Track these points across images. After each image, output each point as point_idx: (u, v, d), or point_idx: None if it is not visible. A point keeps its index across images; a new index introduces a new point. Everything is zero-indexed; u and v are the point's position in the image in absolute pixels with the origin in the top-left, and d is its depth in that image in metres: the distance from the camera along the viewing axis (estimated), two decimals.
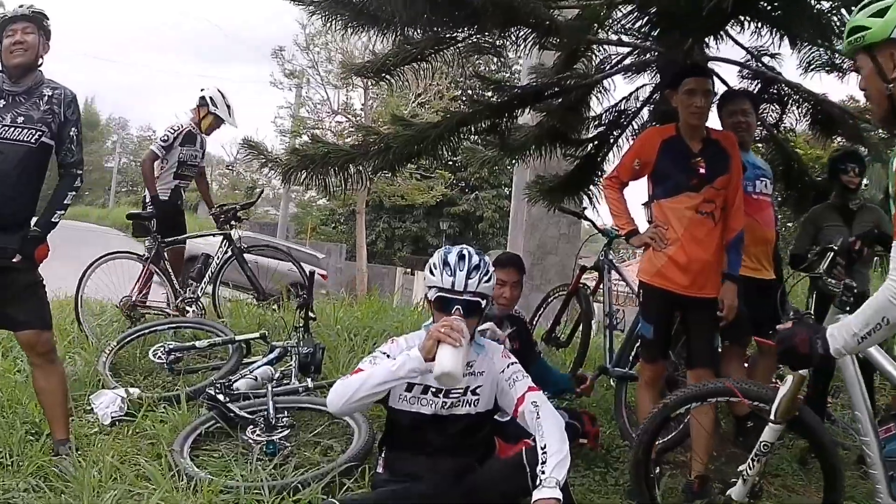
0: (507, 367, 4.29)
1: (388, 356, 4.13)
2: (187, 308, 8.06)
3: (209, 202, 9.44)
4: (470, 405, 4.24)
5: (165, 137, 8.80)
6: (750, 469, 3.93)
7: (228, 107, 9.08)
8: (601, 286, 7.20)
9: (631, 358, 6.52)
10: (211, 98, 8.94)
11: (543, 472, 3.80)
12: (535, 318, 7.85)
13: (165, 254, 8.23)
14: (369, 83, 36.00)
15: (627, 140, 7.66)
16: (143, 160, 9.27)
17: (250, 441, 5.01)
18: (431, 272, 4.23)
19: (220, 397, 5.34)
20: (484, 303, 4.23)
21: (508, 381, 4.23)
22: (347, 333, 7.57)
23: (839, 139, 8.17)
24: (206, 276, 8.36)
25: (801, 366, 3.59)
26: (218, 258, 8.50)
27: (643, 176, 5.33)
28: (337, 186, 7.16)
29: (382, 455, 4.39)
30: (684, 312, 5.23)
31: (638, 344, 6.30)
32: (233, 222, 8.51)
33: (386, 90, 35.85)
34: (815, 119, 7.39)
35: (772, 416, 3.80)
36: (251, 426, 5.12)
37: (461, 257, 4.20)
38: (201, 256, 8.68)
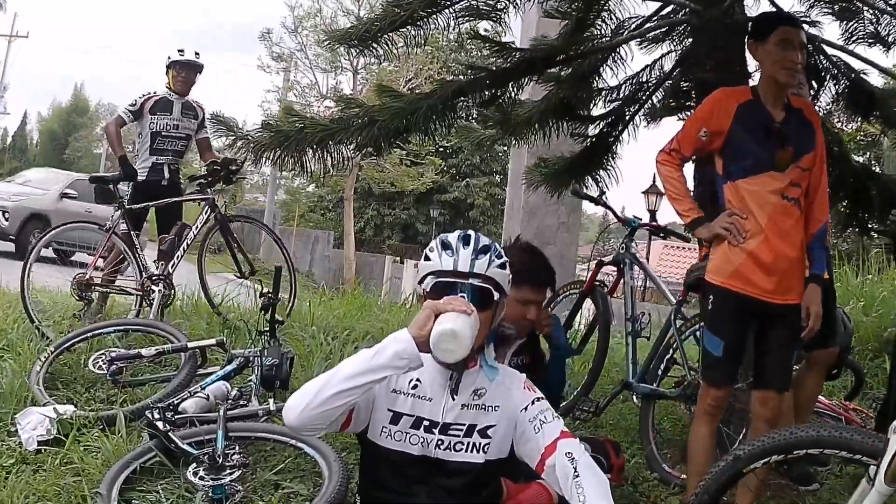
0: (532, 403, 3.15)
1: None
2: (153, 287, 7.09)
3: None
4: (476, 450, 3.09)
5: (133, 102, 8.08)
6: None
7: (181, 51, 8.30)
8: (621, 284, 6.15)
9: (660, 372, 5.53)
10: (168, 57, 8.23)
11: None
12: None
13: (129, 222, 7.38)
14: (358, 65, 36.39)
15: (644, 119, 6.91)
16: (108, 127, 8.64)
17: (194, 483, 4.02)
18: (427, 258, 3.18)
19: (160, 424, 4.35)
20: (497, 295, 3.13)
21: (533, 422, 3.08)
22: (324, 336, 6.60)
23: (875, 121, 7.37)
24: (181, 249, 7.41)
25: None
26: (196, 227, 7.58)
27: (711, 149, 4.30)
28: (315, 166, 6.34)
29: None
30: (761, 322, 4.21)
31: (668, 356, 5.44)
32: (218, 186, 7.61)
33: (376, 73, 35.97)
34: (852, 97, 6.56)
35: (881, 477, 2.75)
36: (195, 463, 4.12)
37: (465, 237, 3.16)
38: (176, 227, 7.61)
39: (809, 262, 4.28)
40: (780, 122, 4.13)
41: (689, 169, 4.79)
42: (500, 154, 36.94)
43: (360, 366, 2.87)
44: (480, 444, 3.09)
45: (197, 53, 8.32)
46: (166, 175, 8.03)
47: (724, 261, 4.15)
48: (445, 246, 3.14)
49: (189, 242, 7.51)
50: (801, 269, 4.21)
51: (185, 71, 8.21)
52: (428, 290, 3.12)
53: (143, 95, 8.11)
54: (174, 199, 7.92)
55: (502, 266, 3.15)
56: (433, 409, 3.08)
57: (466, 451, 3.08)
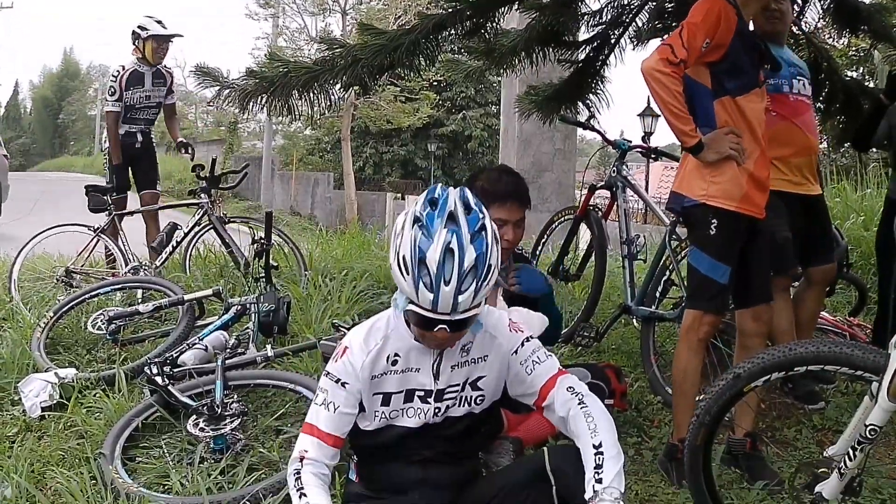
0: (522, 344, 2.99)
1: (342, 383, 2.89)
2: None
3: (174, 136, 8.94)
4: (470, 403, 3.00)
5: (112, 90, 8.37)
6: (849, 460, 2.84)
7: (159, 22, 8.42)
8: (615, 207, 6.08)
9: (658, 294, 5.46)
10: (138, 27, 8.38)
11: (601, 482, 2.62)
12: (539, 248, 6.73)
13: (122, 225, 7.65)
14: (346, 6, 36.00)
15: (630, 41, 6.71)
16: (107, 126, 8.62)
17: (195, 435, 4.01)
18: (402, 272, 2.68)
19: (159, 379, 4.34)
20: (482, 308, 2.82)
21: (525, 364, 2.96)
22: (322, 278, 6.52)
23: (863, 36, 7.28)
24: (169, 246, 7.51)
25: None
26: (187, 227, 7.68)
27: (702, 62, 3.95)
28: (303, 109, 6.28)
29: (354, 460, 3.19)
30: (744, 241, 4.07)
31: (665, 277, 5.37)
32: (212, 192, 7.64)
33: (365, 13, 35.57)
34: (838, 12, 6.39)
35: (883, 393, 2.70)
36: (195, 415, 4.10)
37: (448, 252, 2.63)
38: (167, 225, 7.75)
39: None
40: (759, 41, 4.00)
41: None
42: (495, 84, 36.52)
43: None
44: (473, 396, 3.00)
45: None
46: (139, 139, 8.52)
47: (733, 184, 3.90)
48: (422, 266, 2.64)
49: (178, 241, 7.60)
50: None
51: (164, 43, 8.47)
52: (400, 312, 2.82)
53: (115, 76, 8.37)
54: (168, 205, 8.54)
55: (490, 278, 2.72)
56: (423, 378, 2.94)
57: (459, 405, 2.99)
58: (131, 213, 8.12)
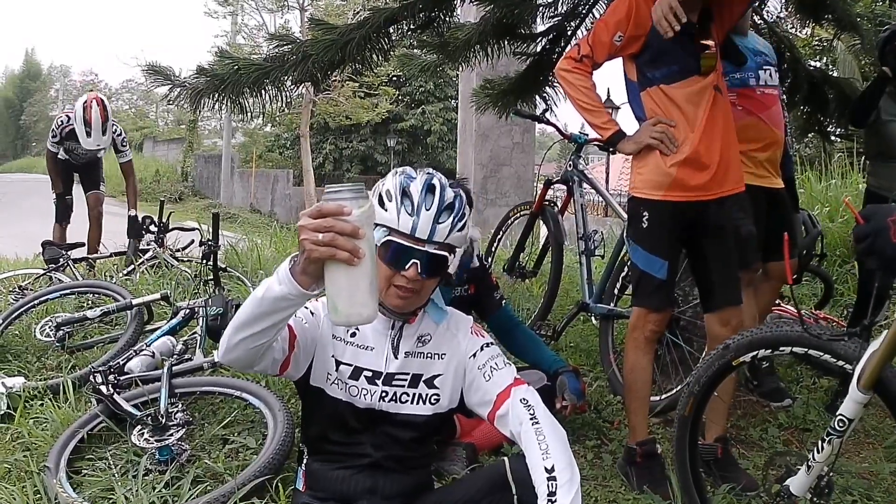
0: (482, 349, 2.95)
1: (312, 311, 2.90)
2: None
3: (129, 204, 9.06)
4: (423, 402, 2.92)
5: (54, 134, 8.97)
6: (818, 452, 2.76)
7: (87, 122, 8.64)
8: (571, 202, 5.98)
9: (617, 291, 5.38)
10: (74, 110, 8.82)
11: None
12: (495, 244, 6.69)
13: (72, 265, 7.78)
14: (304, 2, 35.89)
15: (586, 31, 6.57)
16: (46, 160, 9.41)
17: (141, 446, 3.86)
18: (383, 203, 2.78)
19: (104, 388, 4.20)
20: (450, 259, 2.83)
21: (483, 369, 2.90)
22: None
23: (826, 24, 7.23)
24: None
25: (890, 267, 2.43)
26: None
27: (623, 55, 3.94)
28: (255, 107, 6.13)
29: (303, 466, 3.08)
30: (696, 233, 3.93)
31: (623, 274, 5.28)
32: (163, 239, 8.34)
33: (323, 9, 35.45)
34: (801, 1, 6.33)
35: (854, 383, 2.64)
36: (140, 425, 3.95)
37: (429, 189, 2.79)
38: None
39: None
40: (697, 23, 3.83)
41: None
42: (454, 79, 36.47)
43: (250, 311, 2.43)
44: (428, 395, 2.92)
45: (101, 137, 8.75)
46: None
47: (657, 173, 3.82)
48: (406, 197, 2.77)
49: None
50: (738, 158, 3.99)
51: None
52: (379, 244, 2.74)
53: (59, 124, 8.92)
54: (117, 252, 8.55)
55: (463, 225, 2.83)
56: (375, 360, 2.90)
57: (413, 402, 2.92)
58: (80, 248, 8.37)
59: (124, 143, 9.14)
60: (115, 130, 8.94)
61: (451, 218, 2.77)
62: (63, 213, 8.94)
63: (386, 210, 2.76)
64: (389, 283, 2.77)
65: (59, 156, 9.04)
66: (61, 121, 8.94)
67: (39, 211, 8.18)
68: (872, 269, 2.57)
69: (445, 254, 2.77)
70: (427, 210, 2.73)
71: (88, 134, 8.58)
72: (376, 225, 2.72)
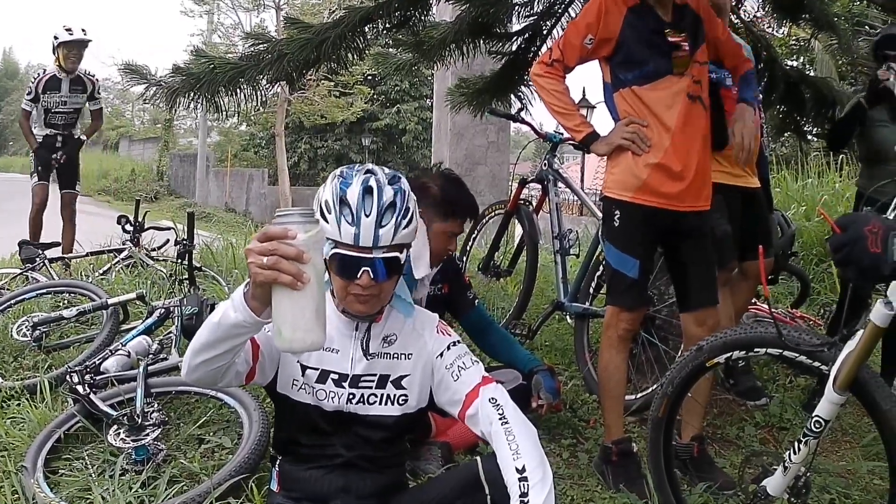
0: (448, 347, 2.94)
1: None
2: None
3: (86, 134, 9.54)
4: (392, 402, 2.92)
5: (29, 90, 9.04)
6: (794, 454, 2.80)
7: (69, 30, 8.84)
8: (546, 201, 6.01)
9: (592, 290, 5.41)
10: (53, 36, 8.87)
11: None
12: (470, 244, 6.69)
13: (48, 264, 7.76)
14: (280, 1, 35.81)
15: (562, 31, 6.60)
16: (20, 121, 9.36)
17: (117, 446, 3.85)
18: (324, 215, 2.70)
19: (81, 388, 4.19)
20: (403, 256, 2.80)
21: (451, 369, 2.89)
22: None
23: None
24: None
25: (868, 277, 2.41)
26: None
27: (596, 58, 3.97)
28: (230, 105, 6.10)
29: (276, 467, 3.09)
30: (673, 237, 3.97)
31: (598, 273, 5.32)
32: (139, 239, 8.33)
33: (299, 7, 35.40)
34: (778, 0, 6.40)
35: (830, 384, 2.68)
36: (116, 425, 3.94)
37: (367, 191, 2.69)
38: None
39: (738, 91, 4.23)
40: (670, 23, 3.85)
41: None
42: (429, 78, 36.48)
43: (207, 336, 2.45)
44: (396, 395, 2.92)
45: (84, 30, 8.91)
46: (59, 140, 9.04)
47: (628, 174, 3.84)
48: (344, 205, 2.69)
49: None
50: (710, 173, 3.99)
51: (74, 49, 8.86)
52: (327, 258, 2.70)
53: (35, 78, 9.06)
54: (95, 252, 8.57)
55: (409, 221, 2.77)
56: (340, 362, 2.88)
57: (381, 403, 2.91)
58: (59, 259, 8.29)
59: (99, 92, 9.41)
60: (93, 76, 9.17)
61: (395, 218, 2.71)
62: (45, 170, 8.95)
63: (328, 222, 2.70)
64: (347, 293, 2.76)
65: (32, 115, 9.02)
66: (37, 73, 9.16)
67: (17, 212, 8.12)
68: (849, 279, 2.60)
69: (396, 254, 2.74)
70: (367, 216, 2.67)
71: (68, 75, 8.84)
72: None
